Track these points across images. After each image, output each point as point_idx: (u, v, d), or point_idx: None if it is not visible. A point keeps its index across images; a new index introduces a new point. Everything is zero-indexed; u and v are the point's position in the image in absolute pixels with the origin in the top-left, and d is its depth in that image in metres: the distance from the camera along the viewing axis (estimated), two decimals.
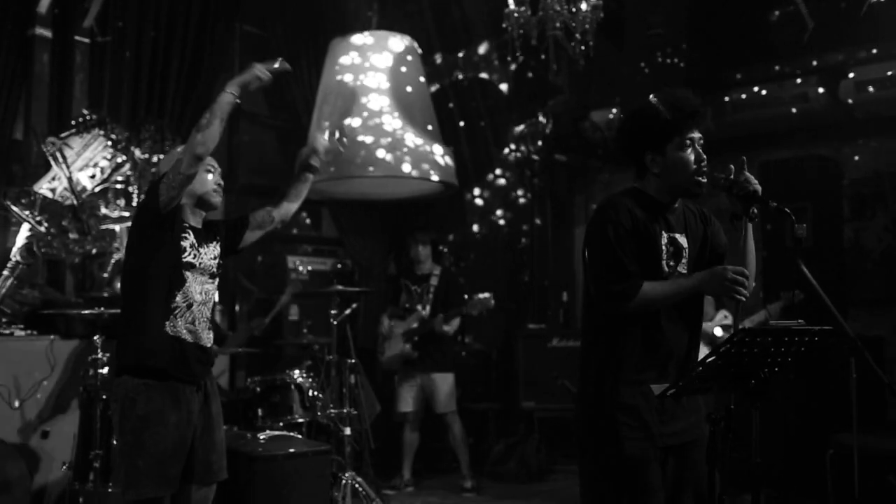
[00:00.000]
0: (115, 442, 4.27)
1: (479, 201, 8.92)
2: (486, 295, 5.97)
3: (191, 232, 3.35)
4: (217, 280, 3.46)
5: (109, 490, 4.25)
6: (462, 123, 8.36)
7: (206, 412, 3.37)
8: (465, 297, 6.13)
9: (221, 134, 3.22)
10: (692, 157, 2.66)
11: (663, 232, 2.71)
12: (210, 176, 3.42)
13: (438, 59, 8.48)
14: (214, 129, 3.17)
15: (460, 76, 8.65)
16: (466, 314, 6.11)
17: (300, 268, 7.53)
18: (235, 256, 3.82)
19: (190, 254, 3.31)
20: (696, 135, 2.68)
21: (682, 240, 2.75)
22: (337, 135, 3.86)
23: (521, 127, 8.51)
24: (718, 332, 5.44)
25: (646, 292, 2.59)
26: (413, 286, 6.33)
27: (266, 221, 3.67)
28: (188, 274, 3.30)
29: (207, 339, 3.38)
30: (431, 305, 6.21)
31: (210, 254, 3.41)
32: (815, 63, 6.77)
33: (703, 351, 4.47)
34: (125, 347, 3.28)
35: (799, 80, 6.79)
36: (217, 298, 3.50)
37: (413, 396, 6.20)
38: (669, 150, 2.66)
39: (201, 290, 3.34)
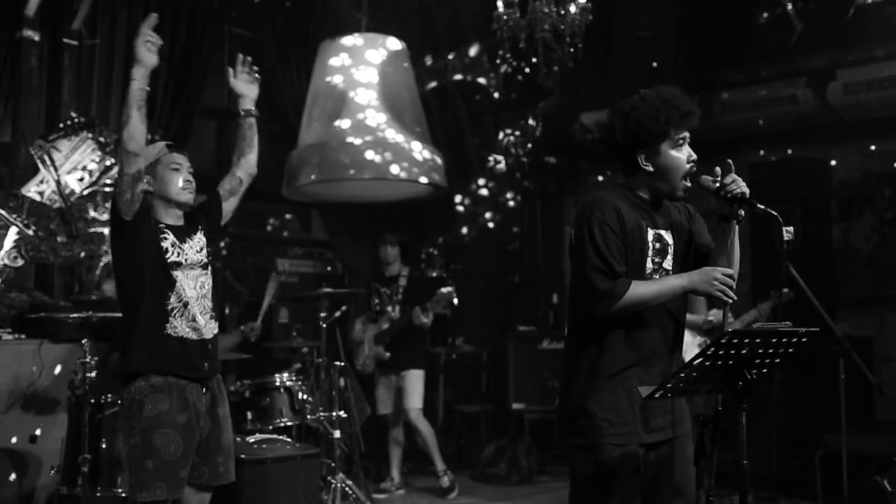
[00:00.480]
0: (103, 445, 4.26)
1: (469, 203, 8.92)
2: (448, 289, 5.91)
3: (169, 231, 3.34)
4: (209, 269, 3.45)
5: (98, 494, 4.23)
6: (452, 126, 8.36)
7: (213, 414, 3.38)
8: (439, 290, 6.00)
9: (145, 124, 3.20)
10: (684, 157, 2.66)
11: (649, 229, 2.71)
12: (177, 175, 3.38)
13: (428, 61, 8.49)
14: (134, 120, 3.16)
15: (451, 79, 8.66)
16: (431, 311, 5.99)
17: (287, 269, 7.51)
18: (222, 237, 3.79)
19: (173, 253, 3.31)
20: (686, 133, 2.68)
21: (668, 236, 2.76)
22: (243, 63, 3.67)
23: (512, 129, 8.52)
24: (711, 317, 5.42)
25: (634, 292, 2.58)
26: (382, 288, 6.31)
27: (235, 186, 3.62)
28: (177, 273, 3.30)
29: (211, 330, 3.38)
30: (400, 306, 6.18)
31: (195, 247, 3.40)
32: (803, 65, 6.80)
33: (696, 342, 4.46)
34: (130, 355, 3.28)
35: (787, 83, 6.82)
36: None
37: (391, 398, 6.19)
38: (664, 148, 2.66)
39: (196, 285, 3.35)
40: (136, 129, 3.15)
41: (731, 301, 2.57)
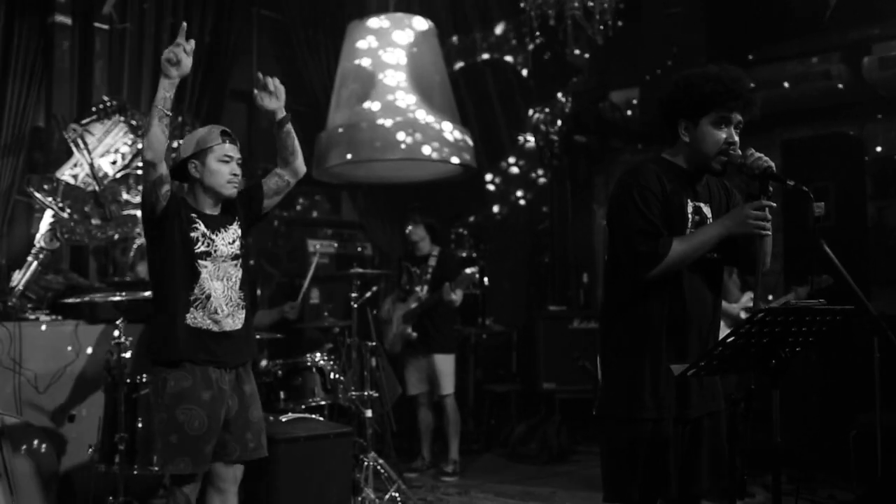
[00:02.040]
0: (139, 424, 4.33)
1: (498, 183, 8.90)
2: (472, 270, 5.90)
3: (201, 221, 3.36)
4: (241, 260, 3.45)
5: (135, 472, 4.30)
6: (481, 105, 8.33)
7: (239, 392, 3.42)
8: (465, 270, 5.96)
9: (166, 134, 3.19)
10: (722, 137, 2.64)
11: (689, 200, 2.71)
12: (224, 167, 3.38)
13: (457, 40, 8.45)
14: (154, 129, 3.15)
15: (479, 57, 8.62)
16: (455, 289, 5.95)
17: (319, 249, 7.54)
18: (259, 225, 3.78)
19: (203, 243, 3.33)
20: (737, 117, 2.65)
21: (707, 210, 2.76)
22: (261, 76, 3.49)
23: (541, 108, 8.47)
24: (743, 315, 5.40)
25: (677, 249, 2.59)
26: (413, 268, 6.29)
27: (282, 186, 3.60)
28: (204, 264, 3.32)
29: (235, 322, 3.39)
30: (429, 286, 6.17)
31: (228, 238, 3.42)
32: (837, 40, 6.68)
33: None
34: (153, 340, 3.38)
35: (821, 58, 6.70)
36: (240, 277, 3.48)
37: (420, 378, 6.19)
38: (703, 122, 2.65)
39: (223, 276, 3.36)
40: (155, 139, 3.15)
41: (768, 234, 2.56)
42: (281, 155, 3.57)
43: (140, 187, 5.60)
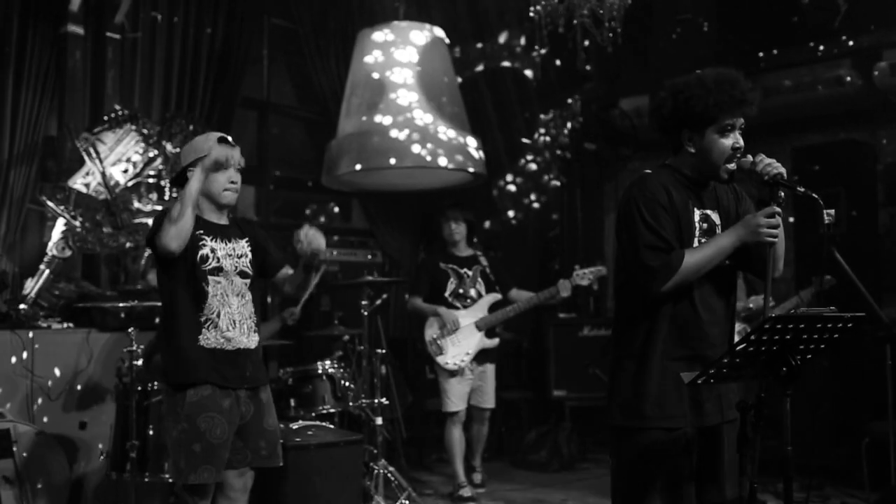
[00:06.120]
0: (151, 432, 4.33)
1: (509, 190, 8.90)
2: (602, 267, 5.66)
3: (208, 237, 3.34)
4: (249, 280, 3.43)
5: (146, 479, 4.32)
6: (491, 112, 8.34)
7: (255, 399, 3.41)
8: (577, 266, 5.67)
9: (194, 219, 3.21)
10: (729, 144, 2.61)
11: (696, 209, 2.69)
12: (221, 175, 3.36)
13: (467, 48, 8.46)
14: (187, 220, 3.16)
15: (487, 66, 8.62)
16: (577, 285, 5.60)
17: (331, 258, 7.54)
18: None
19: (212, 259, 3.32)
20: (740, 121, 2.63)
21: (715, 217, 2.74)
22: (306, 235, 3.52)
23: (550, 115, 8.48)
24: (751, 304, 5.34)
25: (689, 261, 2.56)
26: (462, 269, 5.74)
27: (280, 285, 3.70)
28: (214, 279, 3.30)
29: (249, 340, 3.39)
30: (500, 287, 5.80)
31: (237, 251, 3.41)
32: (848, 46, 6.67)
33: (736, 329, 4.44)
34: (168, 364, 3.35)
35: (832, 64, 6.69)
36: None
37: (465, 392, 5.64)
38: (709, 132, 2.62)
39: (231, 292, 3.34)
40: (185, 230, 3.16)
41: (777, 241, 2.54)
42: (292, 283, 3.65)
43: (151, 195, 5.66)
